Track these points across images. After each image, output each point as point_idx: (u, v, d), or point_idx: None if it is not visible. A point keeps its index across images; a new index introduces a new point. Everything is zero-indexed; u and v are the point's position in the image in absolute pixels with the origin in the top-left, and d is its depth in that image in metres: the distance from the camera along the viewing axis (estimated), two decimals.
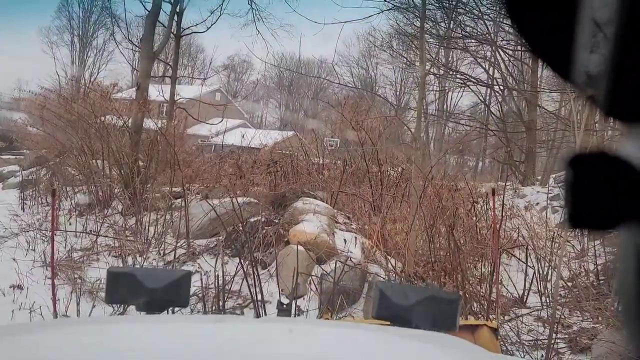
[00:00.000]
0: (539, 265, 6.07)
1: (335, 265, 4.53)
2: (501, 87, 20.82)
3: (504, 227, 6.91)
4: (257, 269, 5.13)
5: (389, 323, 1.36)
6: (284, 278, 4.99)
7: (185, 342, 0.93)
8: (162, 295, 1.37)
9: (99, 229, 7.17)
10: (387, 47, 29.12)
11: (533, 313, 5.19)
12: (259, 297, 4.58)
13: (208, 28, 10.98)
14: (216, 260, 4.92)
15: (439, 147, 26.12)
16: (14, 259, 5.59)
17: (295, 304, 4.67)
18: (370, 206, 7.11)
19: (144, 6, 10.00)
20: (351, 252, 5.38)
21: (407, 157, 8.35)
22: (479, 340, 1.78)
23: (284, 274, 4.98)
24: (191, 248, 6.26)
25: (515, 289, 5.79)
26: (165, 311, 1.41)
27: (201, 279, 5.10)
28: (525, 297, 5.76)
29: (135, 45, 10.65)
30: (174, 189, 8.87)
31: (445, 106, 29.66)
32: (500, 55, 20.76)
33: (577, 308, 5.43)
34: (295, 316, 4.55)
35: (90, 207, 9.16)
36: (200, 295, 4.80)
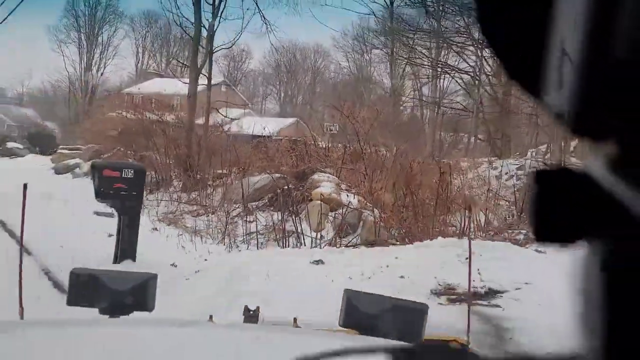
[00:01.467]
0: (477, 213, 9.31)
1: (342, 210, 7.76)
2: (477, 75, 23.88)
3: (461, 188, 10.17)
4: (293, 216, 8.40)
5: (356, 332, 1.41)
6: (310, 220, 8.26)
7: (146, 348, 0.97)
8: (126, 298, 1.39)
9: (178, 200, 10.40)
10: (380, 35, 32.06)
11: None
12: (299, 230, 7.84)
13: (233, 44, 14.10)
14: (277, 213, 8.13)
15: (433, 126, 29.19)
16: None
17: (320, 235, 7.92)
18: (363, 176, 10.33)
19: (185, 31, 13.08)
20: (351, 202, 8.63)
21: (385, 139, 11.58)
22: None
23: (311, 218, 8.25)
24: (246, 208, 9.49)
25: (462, 226, 9.05)
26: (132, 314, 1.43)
27: (273, 219, 8.29)
28: (467, 230, 9.01)
29: (184, 65, 13.73)
30: (217, 171, 12.09)
31: (438, 89, 32.50)
32: (479, 48, 23.69)
33: (497, 236, 8.71)
34: (319, 247, 7.76)
35: (158, 187, 12.37)
36: (262, 232, 8.05)
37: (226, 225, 7.97)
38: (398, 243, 6.70)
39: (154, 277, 1.45)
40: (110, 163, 6.12)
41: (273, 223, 8.29)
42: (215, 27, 13.18)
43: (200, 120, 14.18)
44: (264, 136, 15.83)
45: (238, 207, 9.67)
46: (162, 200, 10.45)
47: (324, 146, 13.15)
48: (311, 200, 8.82)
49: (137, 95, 33.10)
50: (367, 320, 1.40)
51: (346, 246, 6.89)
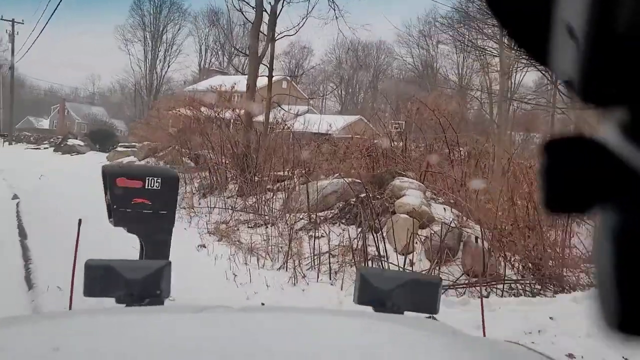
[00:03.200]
0: None
1: (441, 227, 5.93)
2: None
3: None
4: (373, 232, 6.66)
5: (371, 308, 1.40)
6: (395, 239, 6.48)
7: (164, 334, 0.95)
8: (141, 286, 1.40)
9: (233, 207, 8.91)
10: (449, 28, 29.81)
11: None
12: (382, 253, 6.09)
13: (297, 31, 12.51)
14: (351, 227, 6.41)
15: (504, 124, 26.66)
16: (185, 228, 7.39)
17: (410, 261, 6.14)
18: (455, 182, 8.44)
19: (246, 18, 11.63)
20: (446, 218, 6.77)
21: (484, 139, 9.59)
22: None
23: (396, 236, 6.47)
24: (312, 219, 7.84)
25: (585, 249, 6.98)
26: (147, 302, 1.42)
27: (328, 242, 6.62)
28: None
29: (243, 54, 12.34)
30: (277, 173, 10.55)
31: (510, 84, 29.90)
32: None
33: None
34: (405, 269, 5.99)
35: (211, 190, 11.00)
36: (334, 254, 6.36)
37: (289, 244, 6.35)
38: (538, 289, 4.76)
39: (168, 264, 1.46)
40: (127, 168, 4.59)
41: (349, 240, 6.61)
42: (278, 11, 11.64)
43: (260, 118, 12.81)
44: (327, 134, 14.24)
45: (302, 219, 8.06)
46: (215, 207, 9.01)
47: (395, 145, 11.33)
48: (394, 212, 7.06)
49: (198, 93, 32.63)
50: (381, 296, 1.37)
51: (455, 287, 5.04)
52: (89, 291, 1.45)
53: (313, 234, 7.10)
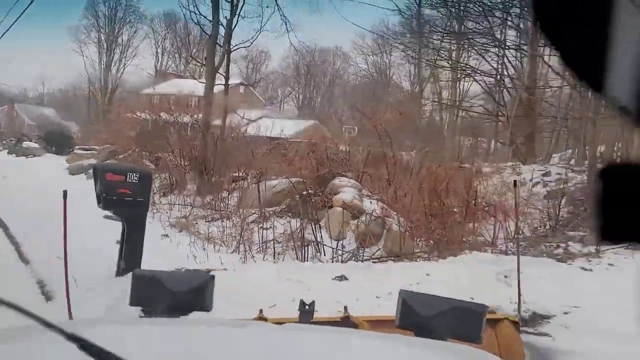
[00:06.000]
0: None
1: (366, 216, 7.24)
2: (502, 77, 23.06)
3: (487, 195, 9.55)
4: (312, 223, 7.90)
5: (412, 332, 1.40)
6: (331, 228, 7.75)
7: (203, 347, 0.98)
8: (185, 298, 1.43)
9: (192, 203, 9.97)
10: (399, 37, 31.42)
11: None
12: (318, 239, 7.34)
13: (251, 43, 13.69)
14: (296, 220, 7.64)
15: (452, 130, 28.43)
16: (149, 222, 8.41)
17: (342, 245, 7.41)
18: (386, 182, 9.80)
19: (203, 29, 12.70)
20: (375, 210, 8.10)
21: (416, 144, 11.02)
22: (500, 334, 1.81)
23: (331, 225, 7.74)
24: (263, 214, 9.02)
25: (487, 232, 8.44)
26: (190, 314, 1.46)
27: (273, 231, 7.80)
28: (495, 237, 8.42)
29: (201, 64, 13.36)
30: (233, 174, 11.66)
31: (457, 92, 31.67)
32: (502, 49, 22.99)
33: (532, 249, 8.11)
34: (341, 258, 7.22)
35: (171, 190, 11.99)
36: (280, 241, 7.56)
37: (241, 233, 7.50)
38: (426, 256, 6.14)
39: (212, 278, 1.49)
40: (114, 166, 5.64)
41: (291, 231, 7.81)
42: (233, 25, 12.77)
43: (218, 122, 13.85)
44: (282, 138, 15.43)
45: (254, 213, 9.21)
46: (175, 204, 10.03)
47: (344, 149, 12.65)
48: (331, 206, 8.32)
49: (155, 96, 33.05)
50: (423, 321, 1.37)
51: (371, 259, 6.36)
52: (135, 301, 1.48)
53: (262, 226, 8.29)
